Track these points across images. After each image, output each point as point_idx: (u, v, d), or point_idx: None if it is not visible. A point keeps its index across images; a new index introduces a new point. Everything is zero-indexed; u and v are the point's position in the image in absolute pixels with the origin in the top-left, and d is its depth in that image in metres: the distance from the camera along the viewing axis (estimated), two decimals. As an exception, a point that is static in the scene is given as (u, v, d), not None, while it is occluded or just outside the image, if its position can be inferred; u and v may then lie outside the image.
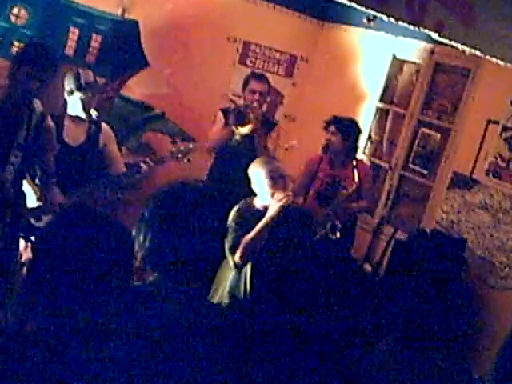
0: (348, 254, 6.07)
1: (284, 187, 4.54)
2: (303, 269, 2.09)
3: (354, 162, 6.09)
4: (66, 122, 5.02)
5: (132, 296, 2.03)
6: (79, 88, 4.89)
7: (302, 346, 1.89)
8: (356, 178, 5.98)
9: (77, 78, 4.91)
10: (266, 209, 4.54)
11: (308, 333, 1.88)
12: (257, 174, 4.63)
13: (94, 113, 5.02)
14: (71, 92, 4.92)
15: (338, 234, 5.68)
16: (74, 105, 4.96)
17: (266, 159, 4.90)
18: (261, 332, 2.05)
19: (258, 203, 4.66)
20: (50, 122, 4.51)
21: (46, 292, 1.80)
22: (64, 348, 1.73)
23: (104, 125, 5.20)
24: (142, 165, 4.89)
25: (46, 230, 1.94)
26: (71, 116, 5.01)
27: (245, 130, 6.01)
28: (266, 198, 4.55)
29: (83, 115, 4.97)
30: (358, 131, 6.23)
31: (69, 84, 4.93)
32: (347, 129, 6.13)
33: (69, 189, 4.70)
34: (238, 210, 4.60)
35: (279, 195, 4.45)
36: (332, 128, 6.11)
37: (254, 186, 4.66)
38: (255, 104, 6.12)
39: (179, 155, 5.03)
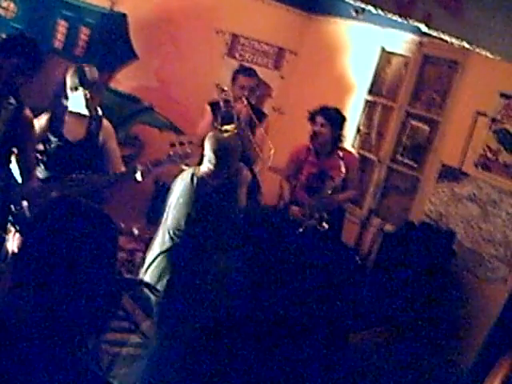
0: (339, 243, 6.18)
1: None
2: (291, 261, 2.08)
3: (340, 152, 6.08)
4: (67, 118, 4.98)
5: None
6: (84, 85, 4.84)
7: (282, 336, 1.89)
8: (343, 168, 5.96)
9: (82, 75, 4.84)
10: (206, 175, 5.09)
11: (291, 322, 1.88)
12: (206, 145, 5.13)
13: (99, 110, 5.00)
14: (75, 88, 4.86)
15: (326, 226, 5.73)
16: (77, 101, 4.90)
17: (217, 135, 5.25)
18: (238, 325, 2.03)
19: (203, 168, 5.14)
20: (28, 113, 4.44)
21: (30, 281, 1.80)
22: (47, 338, 1.73)
23: (105, 121, 5.13)
24: (139, 167, 4.85)
25: (33, 221, 1.94)
26: (72, 112, 4.96)
27: (228, 128, 6.00)
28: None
29: (86, 112, 4.93)
30: (344, 120, 6.23)
31: (73, 80, 4.87)
32: (336, 119, 6.15)
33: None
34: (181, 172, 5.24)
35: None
36: (320, 119, 6.09)
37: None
38: (245, 100, 6.12)
39: (177, 159, 5.01)
